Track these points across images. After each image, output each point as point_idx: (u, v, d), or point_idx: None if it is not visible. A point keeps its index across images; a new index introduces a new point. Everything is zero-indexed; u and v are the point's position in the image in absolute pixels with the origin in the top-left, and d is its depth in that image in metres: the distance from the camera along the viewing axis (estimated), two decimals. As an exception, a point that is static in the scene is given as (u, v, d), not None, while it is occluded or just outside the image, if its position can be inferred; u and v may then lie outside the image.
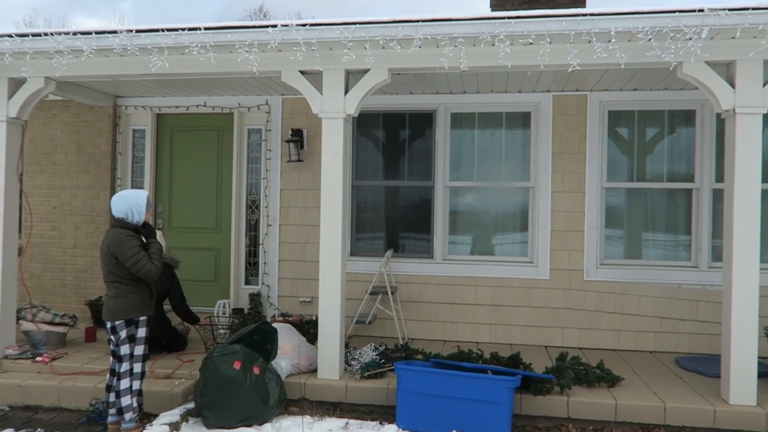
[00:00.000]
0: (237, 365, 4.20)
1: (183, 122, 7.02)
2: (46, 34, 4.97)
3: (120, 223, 4.28)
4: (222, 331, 6.08)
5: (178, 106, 6.93)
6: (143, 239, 4.33)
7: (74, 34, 4.94)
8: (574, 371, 4.82)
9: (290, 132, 6.56)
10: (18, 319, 5.75)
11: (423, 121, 6.62)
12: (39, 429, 4.59)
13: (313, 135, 6.61)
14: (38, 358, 5.41)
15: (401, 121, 6.71)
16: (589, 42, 4.26)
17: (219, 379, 4.20)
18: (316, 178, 6.57)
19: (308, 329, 5.95)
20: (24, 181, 6.87)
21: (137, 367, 4.29)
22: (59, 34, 4.96)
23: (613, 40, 4.19)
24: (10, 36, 5.02)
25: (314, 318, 6.34)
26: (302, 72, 5.02)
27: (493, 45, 4.48)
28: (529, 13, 4.29)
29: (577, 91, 6.19)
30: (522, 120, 6.44)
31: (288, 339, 5.09)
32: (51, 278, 7.01)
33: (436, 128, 6.50)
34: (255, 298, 6.63)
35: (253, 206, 6.89)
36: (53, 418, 4.85)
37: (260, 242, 6.77)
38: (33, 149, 7.06)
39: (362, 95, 4.96)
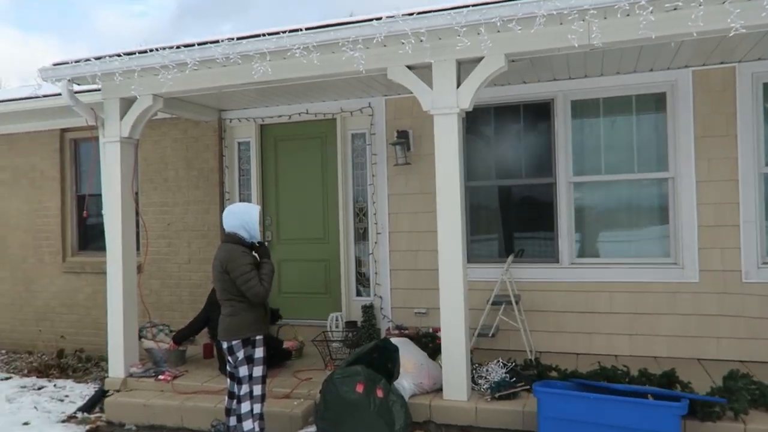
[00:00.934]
0: (359, 388, 3.88)
1: (286, 131, 6.88)
2: (151, 50, 4.95)
3: (232, 239, 4.12)
4: (336, 345, 5.82)
5: (280, 116, 6.80)
6: (257, 257, 4.12)
7: (177, 47, 4.88)
8: (748, 391, 4.06)
9: (395, 134, 6.21)
10: (140, 337, 5.81)
11: (539, 112, 6.03)
12: (163, 451, 4.51)
13: (419, 136, 6.22)
14: (160, 377, 5.41)
15: (515, 114, 6.15)
16: (757, -2, 3.53)
17: (341, 403, 3.89)
18: (424, 182, 6.18)
19: (426, 343, 5.55)
20: (139, 199, 7.02)
21: (257, 389, 4.06)
22: (163, 49, 4.91)
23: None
24: (118, 55, 5.05)
25: (431, 330, 5.94)
26: (409, 67, 4.65)
27: (629, 15, 3.85)
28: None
29: (722, 63, 5.35)
30: (655, 102, 5.68)
31: (409, 356, 4.70)
32: (168, 294, 7.10)
33: (555, 118, 5.89)
34: (367, 310, 6.33)
35: (360, 214, 6.60)
36: (176, 439, 4.78)
37: (370, 251, 6.47)
38: (146, 167, 7.20)
39: (477, 87, 4.49)
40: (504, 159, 6.23)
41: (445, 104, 4.51)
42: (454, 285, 4.53)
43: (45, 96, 6.86)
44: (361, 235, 6.60)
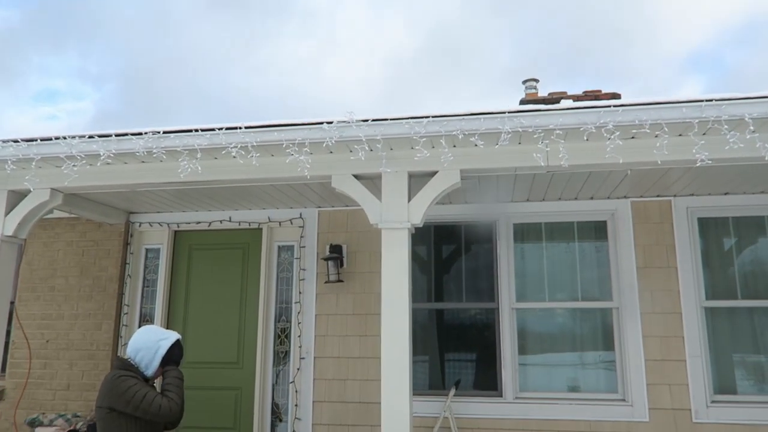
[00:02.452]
0: None
1: (204, 239, 6.18)
2: (57, 138, 4.25)
3: (122, 364, 3.16)
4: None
5: (198, 222, 6.13)
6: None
7: (90, 137, 4.23)
8: None
9: (328, 248, 5.70)
10: (33, 425, 4.60)
11: (481, 234, 5.79)
12: None
13: (354, 251, 5.75)
14: None
15: (455, 234, 5.88)
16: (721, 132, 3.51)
17: None
18: (358, 301, 5.63)
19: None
20: (16, 311, 5.90)
21: None
22: (72, 137, 4.24)
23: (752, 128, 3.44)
24: (15, 141, 4.31)
25: (359, 477, 5.11)
26: (356, 176, 4.25)
27: (595, 138, 3.73)
28: (638, 101, 3.59)
29: (658, 196, 5.42)
30: (596, 230, 5.61)
31: None
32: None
33: (498, 241, 5.65)
34: (284, 450, 5.41)
35: (282, 335, 5.85)
36: None
37: (291, 379, 5.66)
38: (30, 273, 6.14)
39: (429, 202, 4.15)
40: (444, 281, 5.85)
41: (395, 218, 4.10)
42: (398, 422, 3.86)
43: None
44: (282, 359, 5.81)
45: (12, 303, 5.19)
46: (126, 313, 6.00)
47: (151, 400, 2.99)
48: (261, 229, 6.03)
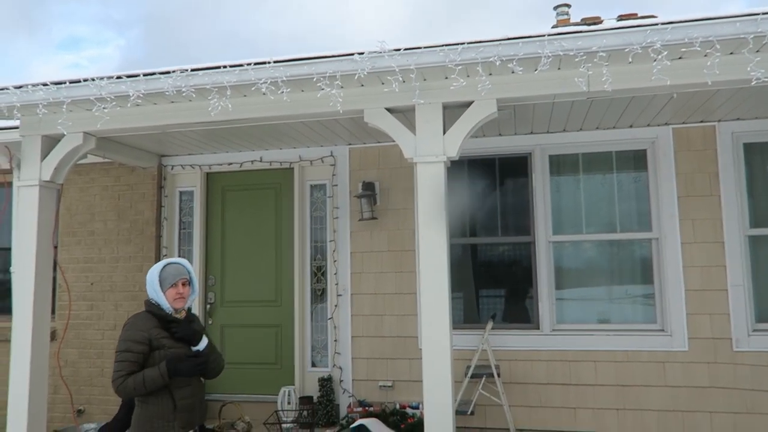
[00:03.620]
0: (336, 494, 3.12)
1: (236, 181, 6.18)
2: (86, 80, 4.21)
3: (145, 304, 3.20)
4: (289, 425, 5.01)
5: (230, 163, 6.11)
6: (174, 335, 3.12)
7: (119, 77, 4.17)
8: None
9: (361, 186, 5.65)
10: None
11: (516, 167, 5.66)
12: None
13: (387, 188, 5.70)
14: (72, 474, 4.39)
15: (490, 168, 5.76)
16: (778, 46, 3.28)
17: None
18: (393, 238, 5.63)
19: (396, 422, 4.86)
20: (58, 255, 6.05)
21: None
22: (101, 78, 4.19)
23: (813, 42, 3.21)
24: (44, 84, 4.28)
25: (398, 407, 5.26)
26: (389, 110, 4.14)
27: (642, 61, 3.53)
28: (688, 17, 3.36)
29: (702, 122, 5.19)
30: (635, 160, 5.44)
31: (384, 443, 3.99)
32: (87, 365, 6.05)
33: (533, 174, 5.53)
34: (325, 383, 5.56)
35: (318, 273, 5.91)
36: None
37: (329, 315, 5.75)
38: (69, 218, 6.26)
39: (465, 134, 4.03)
40: (478, 216, 5.78)
41: (431, 152, 4.01)
42: (439, 356, 3.90)
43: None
44: (319, 297, 5.89)
45: (55, 248, 5.31)
46: (165, 255, 6.11)
47: (117, 376, 2.97)
48: (292, 168, 6.00)
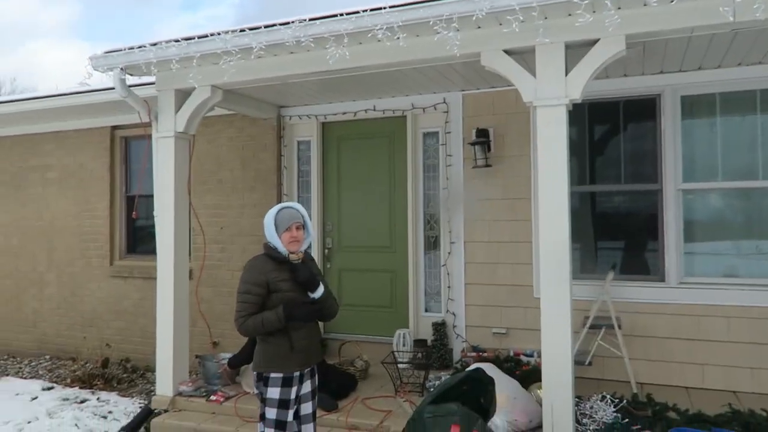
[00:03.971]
0: (454, 431, 3.21)
1: (350, 130, 6.31)
2: (212, 35, 4.43)
3: (263, 248, 3.37)
4: (404, 366, 5.19)
5: (344, 113, 6.23)
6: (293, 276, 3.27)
7: (241, 30, 4.35)
8: None
9: (474, 132, 5.55)
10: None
11: (642, 110, 5.28)
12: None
13: (502, 135, 5.56)
14: (212, 397, 4.88)
15: (612, 112, 5.42)
16: None
17: (431, 448, 3.24)
18: (507, 186, 5.52)
19: (510, 369, 4.88)
20: (191, 201, 6.55)
21: None
22: (225, 33, 4.39)
23: None
24: (176, 41, 4.55)
25: (512, 354, 5.27)
26: (507, 51, 3.99)
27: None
28: None
29: None
30: (785, 98, 4.88)
31: (500, 386, 4.02)
32: (220, 303, 6.59)
33: (662, 117, 5.13)
34: (439, 327, 5.67)
35: (431, 221, 5.96)
36: (230, 473, 4.22)
37: (442, 262, 5.81)
38: (199, 168, 6.72)
39: (590, 74, 3.82)
40: (598, 163, 5.51)
41: (552, 94, 3.84)
42: (558, 306, 3.85)
43: (95, 90, 6.48)
44: (432, 245, 5.95)
45: (189, 195, 5.75)
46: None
47: (239, 315, 3.20)
48: (405, 116, 6.00)
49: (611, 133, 5.50)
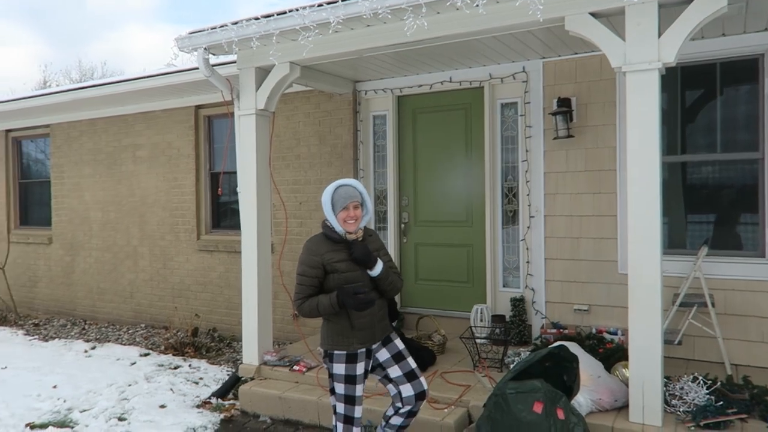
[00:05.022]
0: (537, 407, 3.17)
1: (426, 103, 6.24)
2: (290, 11, 4.46)
3: (322, 225, 3.35)
4: (481, 341, 5.16)
5: (420, 85, 6.16)
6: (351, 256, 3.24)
7: (319, 5, 4.35)
8: None
9: (556, 102, 5.35)
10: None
11: (741, 72, 4.90)
12: (302, 453, 4.10)
13: (585, 104, 5.32)
14: (295, 367, 5.03)
15: (707, 76, 5.06)
16: None
17: (513, 424, 3.21)
18: (590, 157, 5.30)
19: (592, 347, 4.73)
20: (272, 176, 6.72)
21: (339, 408, 3.33)
22: (303, 8, 4.41)
23: None
24: (255, 18, 4.63)
25: (594, 331, 5.11)
26: (593, 14, 3.79)
27: None
28: None
29: None
30: None
31: (582, 365, 3.92)
32: (299, 276, 6.77)
33: (765, 79, 4.74)
34: (517, 303, 5.58)
35: (510, 194, 5.83)
36: (313, 439, 4.37)
37: (521, 237, 5.69)
38: (278, 144, 6.88)
39: (685, 35, 3.57)
40: (689, 130, 5.18)
41: (643, 58, 3.62)
42: (647, 283, 3.68)
43: (180, 71, 6.74)
44: (510, 219, 5.83)
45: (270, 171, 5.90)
46: (362, 177, 6.47)
47: (296, 297, 3.22)
48: (482, 87, 5.86)
49: (705, 99, 5.15)
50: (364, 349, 3.31)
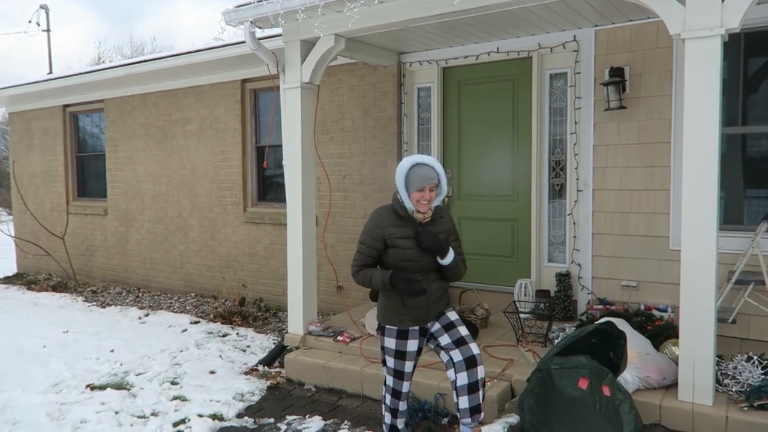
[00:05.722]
0: (582, 384, 3.14)
1: (471, 74, 6.12)
2: (336, -18, 4.42)
3: (393, 199, 3.30)
4: (525, 316, 5.12)
5: (466, 56, 6.03)
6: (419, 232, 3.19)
7: (365, -24, 4.29)
8: None
9: (607, 72, 5.16)
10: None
11: (812, 37, 4.61)
12: (345, 421, 4.18)
13: (639, 74, 5.12)
14: (339, 338, 5.12)
15: (773, 42, 4.79)
16: None
17: (557, 399, 3.20)
18: (643, 130, 5.12)
19: (641, 324, 4.63)
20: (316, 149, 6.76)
21: (389, 380, 3.41)
22: (349, -21, 4.36)
23: None
24: (302, -10, 4.60)
25: (643, 308, 5.00)
26: (650, -21, 3.61)
27: None
28: None
29: None
30: None
31: (630, 342, 3.84)
32: (343, 249, 6.84)
33: (837, 45, 4.45)
34: (562, 278, 5.50)
35: (557, 168, 5.70)
36: (357, 407, 4.45)
37: (568, 211, 5.58)
38: (322, 117, 6.89)
39: (751, -2, 3.36)
40: (755, 101, 4.92)
41: (705, 24, 3.44)
42: (701, 259, 3.56)
43: (227, 45, 6.80)
44: (557, 193, 5.71)
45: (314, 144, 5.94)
46: (406, 151, 6.44)
47: (354, 269, 3.27)
48: (530, 57, 5.70)
49: (765, 67, 4.88)
50: (417, 328, 3.32)
